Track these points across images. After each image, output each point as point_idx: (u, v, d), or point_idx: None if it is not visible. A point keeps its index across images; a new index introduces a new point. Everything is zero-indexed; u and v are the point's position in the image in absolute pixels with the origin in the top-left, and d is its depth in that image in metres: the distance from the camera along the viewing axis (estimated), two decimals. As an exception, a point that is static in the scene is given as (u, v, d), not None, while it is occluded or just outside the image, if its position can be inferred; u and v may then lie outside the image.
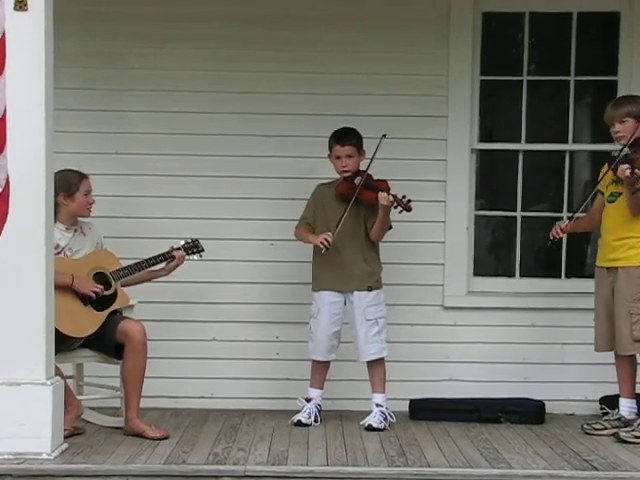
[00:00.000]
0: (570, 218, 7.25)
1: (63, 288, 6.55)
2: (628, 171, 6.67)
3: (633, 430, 6.76)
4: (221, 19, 7.68)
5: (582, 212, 7.44)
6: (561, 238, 7.29)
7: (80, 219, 7.01)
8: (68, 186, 6.80)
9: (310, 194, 7.36)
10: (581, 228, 7.49)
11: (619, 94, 7.60)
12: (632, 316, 6.82)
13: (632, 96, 7.14)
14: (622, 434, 6.78)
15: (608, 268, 7.02)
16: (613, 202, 6.98)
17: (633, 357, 6.93)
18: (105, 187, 7.18)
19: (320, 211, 7.25)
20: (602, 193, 7.04)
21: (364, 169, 7.11)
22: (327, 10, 7.69)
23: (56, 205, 6.53)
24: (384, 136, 7.02)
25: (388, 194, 6.93)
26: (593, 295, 7.18)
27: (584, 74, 7.96)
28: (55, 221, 6.55)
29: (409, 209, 6.96)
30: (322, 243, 7.01)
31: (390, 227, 7.18)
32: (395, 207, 6.98)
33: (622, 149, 6.91)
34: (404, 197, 6.93)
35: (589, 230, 7.52)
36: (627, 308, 6.85)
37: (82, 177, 6.92)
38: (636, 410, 6.98)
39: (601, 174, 6.99)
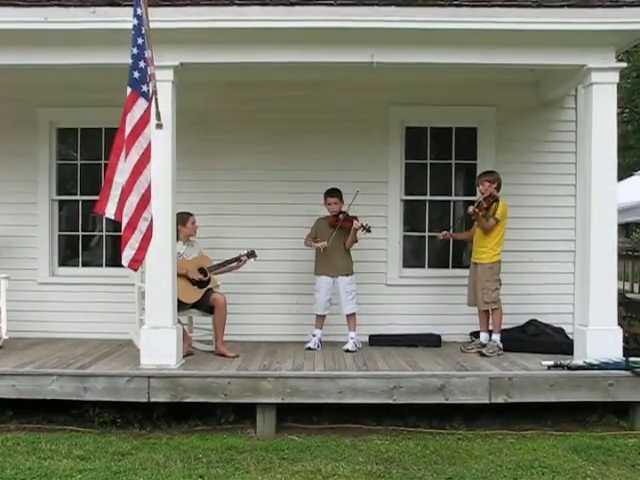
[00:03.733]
0: (449, 230, 7.35)
1: (182, 275, 6.60)
2: (470, 209, 6.81)
3: (489, 350, 6.81)
4: (267, 131, 7.68)
5: (455, 229, 7.55)
6: (444, 240, 7.36)
7: (190, 238, 7.06)
8: (183, 220, 6.86)
9: (313, 223, 7.33)
10: (463, 238, 7.49)
11: (478, 171, 7.56)
12: (483, 290, 6.86)
13: (488, 171, 7.15)
14: (483, 351, 6.83)
15: (474, 263, 7.09)
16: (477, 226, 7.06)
17: (494, 311, 6.92)
18: (203, 221, 7.19)
19: (319, 233, 7.22)
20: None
21: (344, 209, 7.11)
22: (321, 125, 7.67)
23: (177, 231, 6.62)
24: (358, 191, 6.96)
25: (358, 223, 7.00)
26: (467, 278, 7.19)
27: (459, 159, 7.95)
28: (177, 239, 6.62)
29: (369, 231, 7.02)
30: (321, 247, 7.05)
31: (356, 241, 7.19)
32: (362, 230, 7.03)
33: (479, 199, 6.98)
34: (367, 224, 6.99)
35: (467, 240, 7.43)
36: (481, 285, 6.90)
37: (190, 215, 6.97)
38: (489, 338, 6.95)
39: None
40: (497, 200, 6.90)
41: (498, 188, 6.96)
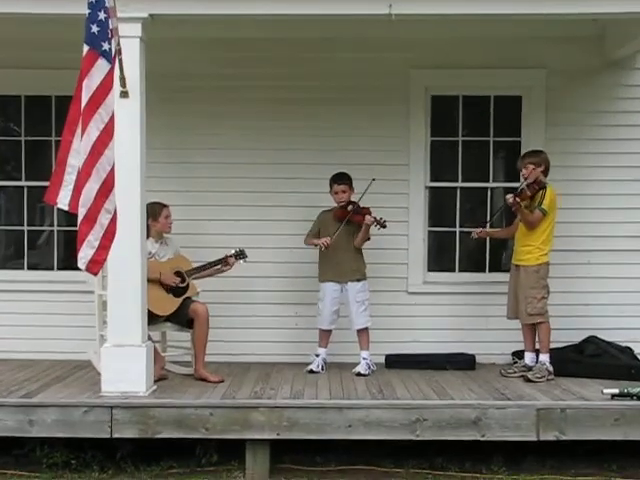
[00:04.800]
0: (484, 225, 7.36)
1: (154, 281, 6.58)
2: (510, 198, 6.77)
3: (535, 374, 6.78)
4: (258, 100, 7.68)
5: (492, 224, 7.53)
6: (480, 238, 7.38)
7: (164, 235, 7.05)
8: (154, 213, 6.85)
9: (316, 217, 7.34)
10: (504, 236, 7.49)
11: (523, 150, 7.54)
12: (527, 299, 6.84)
13: (533, 151, 7.13)
14: (528, 375, 6.79)
15: (516, 265, 7.07)
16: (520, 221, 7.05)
17: (540, 325, 6.87)
18: (179, 213, 7.16)
19: (322, 228, 7.23)
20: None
21: (354, 199, 7.13)
22: (327, 94, 7.67)
23: (148, 226, 6.61)
24: (373, 180, 7.02)
25: (371, 216, 7.00)
26: (507, 283, 7.16)
27: (499, 136, 7.97)
28: (148, 237, 6.63)
29: (384, 227, 7.01)
30: (323, 244, 7.06)
31: (369, 239, 7.20)
32: (375, 225, 7.03)
33: (521, 185, 6.96)
34: (381, 218, 6.98)
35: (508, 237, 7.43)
36: (524, 293, 6.88)
37: (163, 206, 6.96)
38: (535, 360, 6.94)
39: None
40: (544, 187, 6.88)
41: (546, 172, 6.94)
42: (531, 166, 6.90)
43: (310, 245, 7.29)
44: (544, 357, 6.89)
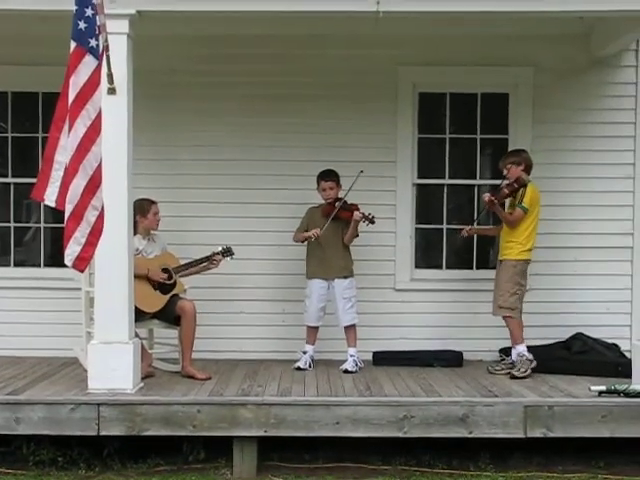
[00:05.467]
0: (472, 224, 7.39)
1: (141, 278, 6.57)
2: (486, 197, 6.86)
3: (519, 369, 6.80)
4: (246, 97, 7.68)
5: (479, 222, 7.58)
6: (470, 235, 7.40)
7: (152, 232, 7.03)
8: (143, 210, 6.84)
9: (304, 213, 7.33)
10: (494, 234, 7.46)
11: (510, 147, 7.59)
12: (500, 292, 6.89)
13: (513, 151, 7.19)
14: (513, 372, 6.82)
15: (500, 261, 7.09)
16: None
17: (508, 319, 6.88)
18: (167, 210, 7.13)
19: (311, 224, 7.20)
20: None
21: (342, 196, 7.13)
22: (314, 91, 7.66)
23: (135, 222, 6.61)
24: (361, 172, 7.04)
25: (360, 212, 7.00)
26: (493, 280, 7.16)
27: (486, 133, 7.97)
28: (135, 233, 6.61)
29: (373, 222, 7.02)
30: (313, 234, 7.04)
31: (357, 235, 7.19)
32: (364, 221, 7.03)
33: (501, 184, 7.02)
34: (370, 214, 6.98)
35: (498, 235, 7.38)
36: (499, 286, 6.93)
37: (152, 203, 6.95)
38: (524, 355, 6.91)
39: None
40: (524, 185, 6.90)
41: (527, 170, 6.97)
42: (512, 166, 6.95)
43: (299, 241, 7.28)
44: (521, 348, 6.88)
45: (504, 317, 6.91)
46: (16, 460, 5.97)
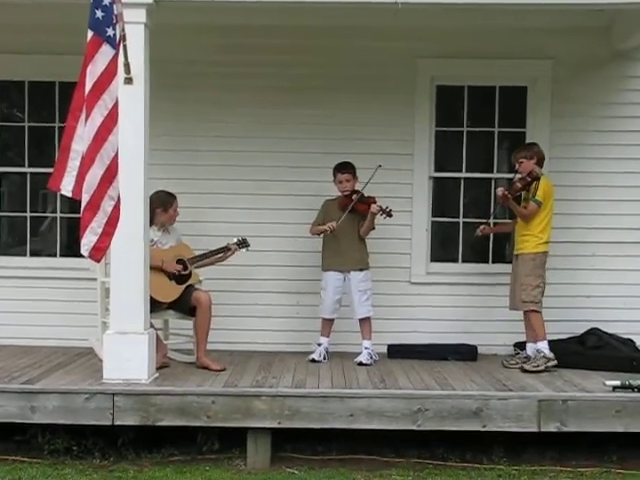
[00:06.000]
0: (487, 224, 7.37)
1: (156, 268, 6.59)
2: (499, 192, 6.84)
3: (532, 363, 6.79)
4: (262, 88, 7.67)
5: (495, 217, 7.57)
6: (484, 235, 7.38)
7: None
8: (164, 204, 6.87)
9: (320, 206, 7.33)
10: (509, 231, 7.41)
11: (528, 141, 7.54)
12: (522, 286, 6.85)
13: (524, 145, 7.18)
14: (525, 366, 6.81)
15: (515, 256, 7.07)
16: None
17: (531, 313, 6.86)
18: (182, 201, 7.10)
19: (327, 217, 7.19)
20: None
21: (359, 189, 7.12)
22: (332, 83, 7.65)
23: (154, 214, 6.64)
24: (379, 166, 7.03)
25: (377, 205, 6.99)
26: (509, 274, 7.17)
27: (504, 127, 7.94)
28: (151, 225, 6.63)
29: (391, 215, 7.00)
30: (329, 227, 7.04)
31: (373, 228, 7.18)
32: (381, 214, 7.02)
33: (513, 178, 7.03)
34: (387, 207, 6.97)
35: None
36: (520, 280, 6.89)
37: (174, 198, 6.97)
38: (542, 352, 6.88)
39: None
40: (537, 179, 6.87)
41: (539, 163, 6.95)
42: (524, 160, 6.94)
43: (315, 234, 7.28)
44: (541, 344, 6.87)
45: (527, 312, 6.89)
46: (31, 449, 6.00)
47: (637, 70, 7.75)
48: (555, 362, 6.79)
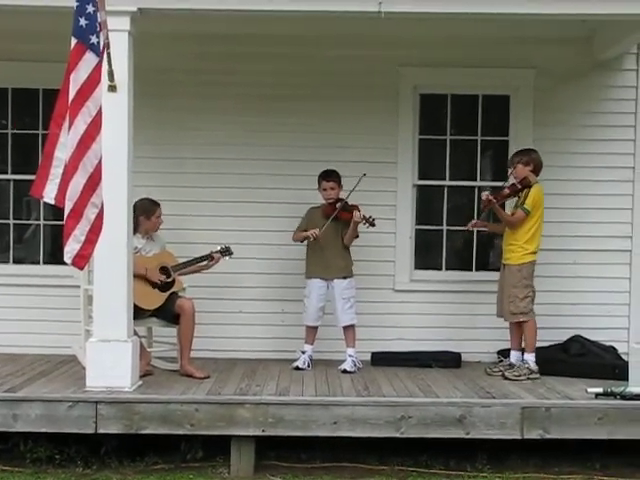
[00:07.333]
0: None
1: (139, 276, 6.57)
2: (483, 196, 6.88)
3: (514, 372, 6.80)
4: (246, 96, 7.67)
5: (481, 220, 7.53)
6: (475, 228, 7.44)
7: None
8: (147, 211, 6.85)
9: (304, 213, 7.32)
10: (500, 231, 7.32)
11: (510, 149, 7.59)
12: (509, 298, 6.84)
13: (523, 150, 7.11)
14: (506, 374, 6.82)
15: (503, 265, 7.07)
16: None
17: (524, 323, 6.86)
18: (165, 209, 7.08)
19: (310, 225, 7.18)
20: None
21: (343, 197, 7.11)
22: (315, 91, 7.66)
23: (138, 222, 6.63)
24: (364, 175, 7.03)
25: (360, 214, 6.99)
26: (493, 283, 7.19)
27: (487, 135, 7.97)
28: (135, 232, 6.61)
29: (374, 225, 6.99)
30: (312, 234, 7.04)
31: (357, 236, 7.18)
32: (364, 223, 7.02)
33: (503, 183, 7.02)
34: (370, 216, 6.97)
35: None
36: (507, 292, 6.88)
37: (157, 206, 6.96)
38: (521, 358, 6.93)
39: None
40: (529, 186, 6.86)
41: (536, 171, 6.93)
42: (520, 165, 6.90)
43: (298, 240, 7.26)
44: (528, 356, 6.88)
45: (518, 322, 6.90)
46: (13, 457, 5.96)
47: (617, 80, 7.82)
48: (538, 375, 6.80)
